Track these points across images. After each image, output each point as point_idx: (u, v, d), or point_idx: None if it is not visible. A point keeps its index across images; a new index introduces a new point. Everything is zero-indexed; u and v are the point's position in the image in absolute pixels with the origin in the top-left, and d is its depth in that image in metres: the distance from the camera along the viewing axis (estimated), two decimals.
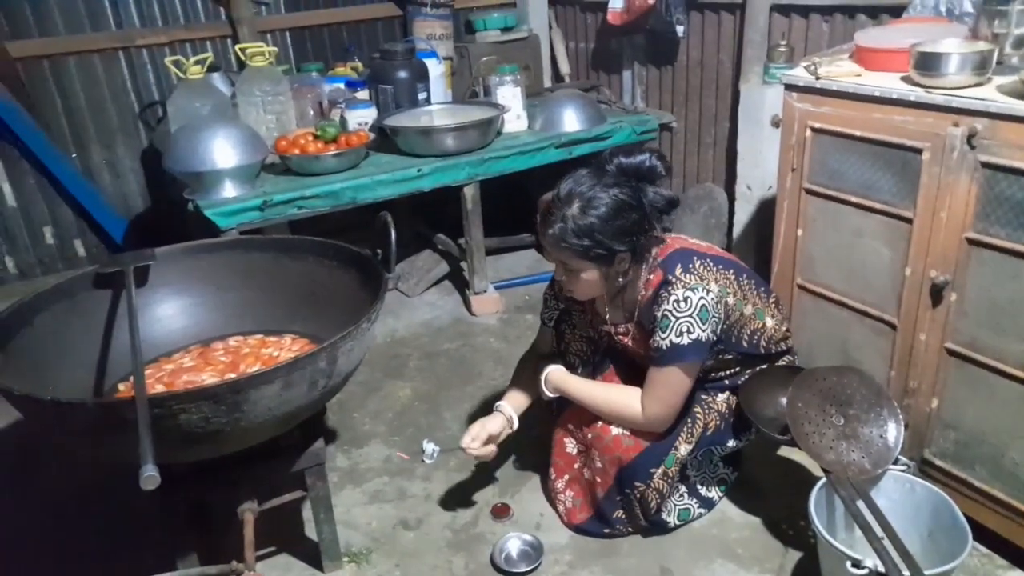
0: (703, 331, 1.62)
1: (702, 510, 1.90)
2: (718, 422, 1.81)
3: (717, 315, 1.64)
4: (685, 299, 1.60)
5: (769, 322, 1.77)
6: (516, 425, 1.92)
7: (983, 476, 1.67)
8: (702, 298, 1.61)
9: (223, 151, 2.36)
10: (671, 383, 1.67)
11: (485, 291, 3.01)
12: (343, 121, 2.86)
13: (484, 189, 2.85)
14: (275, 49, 2.80)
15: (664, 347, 1.62)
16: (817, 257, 1.97)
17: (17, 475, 2.24)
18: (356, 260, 1.80)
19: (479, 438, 1.84)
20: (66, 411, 1.31)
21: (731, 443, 1.85)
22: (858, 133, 1.76)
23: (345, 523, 1.92)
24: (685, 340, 1.61)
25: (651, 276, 1.67)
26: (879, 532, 1.46)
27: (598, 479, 1.81)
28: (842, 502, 1.56)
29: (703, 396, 1.81)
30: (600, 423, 1.78)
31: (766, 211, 2.70)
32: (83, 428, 1.37)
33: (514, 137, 2.93)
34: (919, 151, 1.63)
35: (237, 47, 2.86)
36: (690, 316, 1.60)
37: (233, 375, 1.66)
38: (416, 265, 3.32)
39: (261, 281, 1.91)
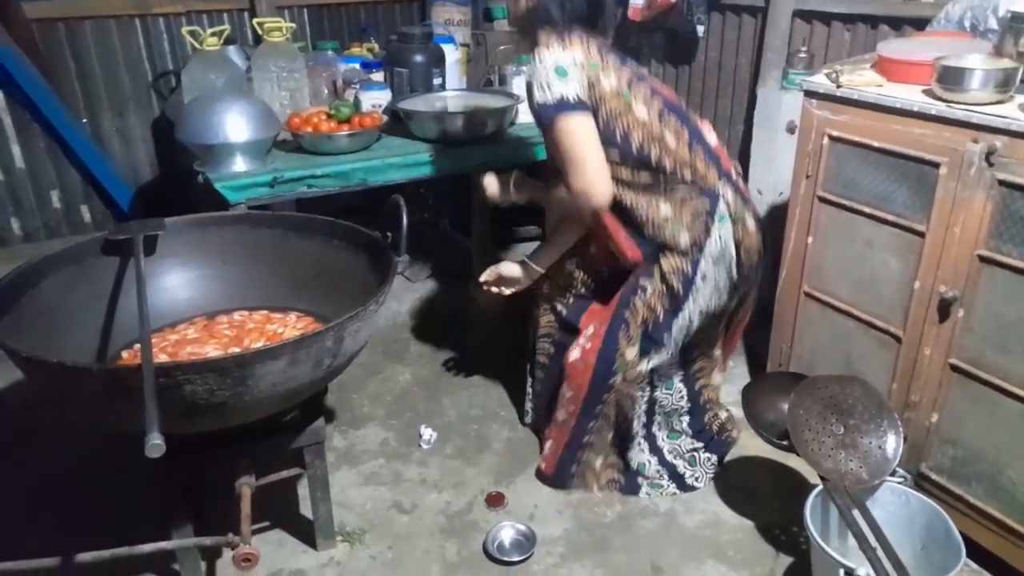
0: (564, 88, 1.68)
1: (673, 488, 1.98)
2: (651, 313, 1.83)
3: (580, 80, 1.69)
4: (541, 60, 1.70)
5: (661, 134, 1.76)
6: (537, 271, 2.04)
7: (979, 493, 1.67)
8: (558, 58, 1.68)
9: (236, 125, 2.34)
10: (565, 146, 1.71)
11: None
12: (357, 102, 2.84)
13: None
14: (292, 25, 2.78)
15: (535, 109, 1.73)
16: (826, 265, 1.97)
17: (13, 441, 2.24)
18: (366, 242, 1.80)
19: (491, 275, 2.07)
20: (72, 375, 1.31)
21: (674, 329, 1.83)
22: (876, 144, 1.76)
23: (340, 503, 1.92)
24: (548, 97, 1.69)
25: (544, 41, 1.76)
26: (873, 542, 1.47)
27: (570, 408, 1.92)
28: (838, 510, 1.57)
29: (633, 299, 1.83)
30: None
31: (776, 217, 2.69)
32: (87, 393, 1.38)
33: (527, 128, 2.91)
34: (936, 165, 1.63)
35: (255, 21, 2.85)
36: (547, 73, 1.68)
37: (237, 349, 1.66)
38: (421, 251, 3.31)
39: (268, 257, 1.91)
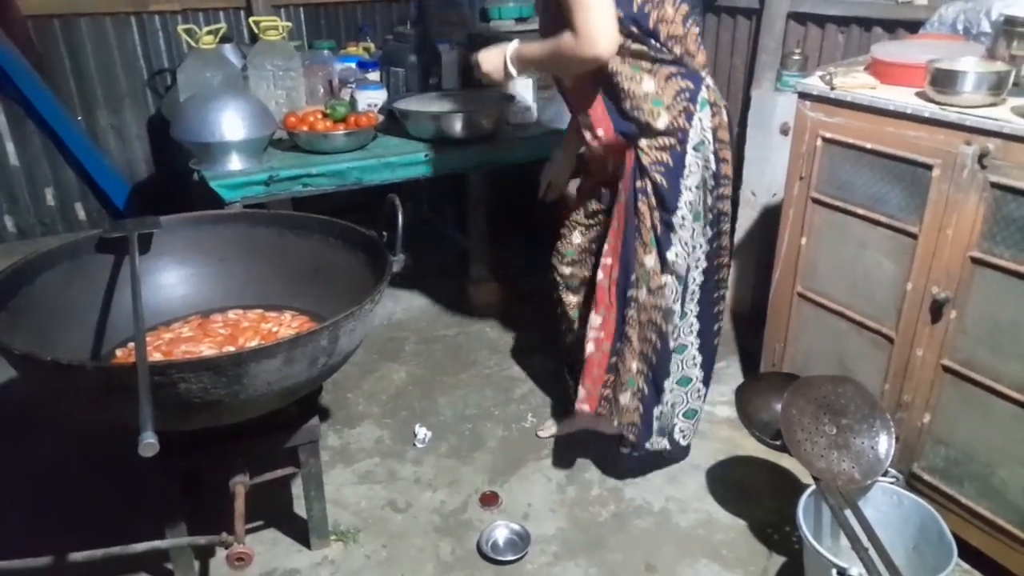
0: None
1: (665, 443, 1.96)
2: (654, 197, 1.75)
3: None
4: None
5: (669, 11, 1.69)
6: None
7: (971, 494, 1.68)
8: None
9: (232, 123, 2.34)
10: None
11: (484, 280, 3.01)
12: (353, 101, 2.84)
13: (491, 178, 2.85)
14: (289, 24, 2.78)
15: None
16: (819, 267, 1.98)
17: (8, 436, 2.24)
18: (362, 241, 1.80)
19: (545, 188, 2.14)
20: (66, 373, 1.31)
21: (678, 228, 1.76)
22: (869, 146, 1.77)
23: (334, 501, 1.93)
24: None
25: None
26: (865, 542, 1.48)
27: (600, 336, 1.88)
28: (830, 510, 1.58)
29: (637, 204, 1.76)
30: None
31: (770, 218, 2.70)
32: (81, 391, 1.38)
33: (523, 128, 2.92)
34: (930, 167, 1.64)
35: (251, 19, 2.84)
36: None
37: (232, 348, 1.66)
38: (417, 250, 3.32)
39: (264, 256, 1.91)
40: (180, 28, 2.64)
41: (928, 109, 1.63)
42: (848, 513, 1.55)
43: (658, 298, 1.81)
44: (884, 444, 1.65)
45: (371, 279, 1.67)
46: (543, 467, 2.09)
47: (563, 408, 2.27)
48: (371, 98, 2.84)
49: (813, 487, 1.64)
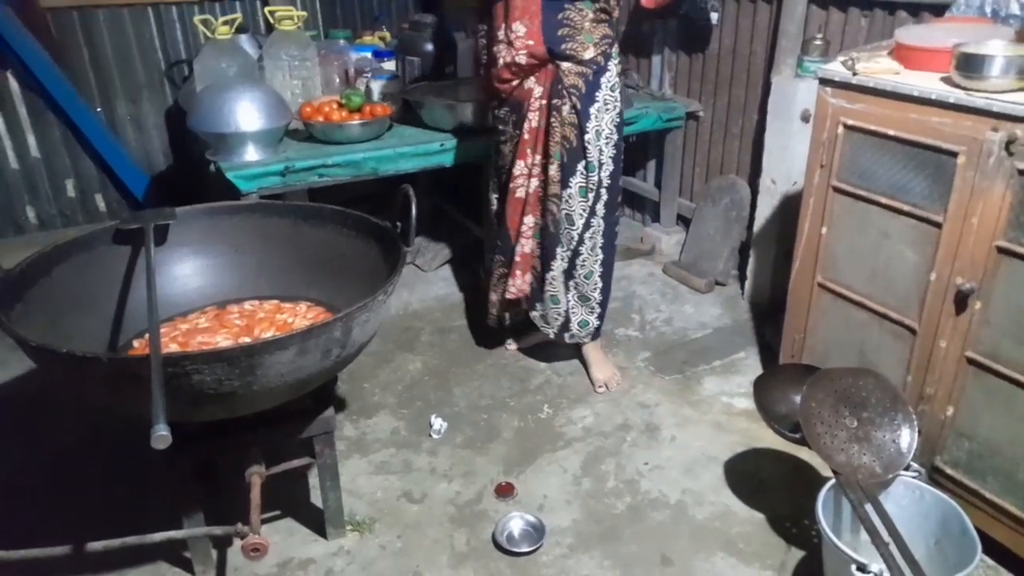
0: None
1: (551, 332, 2.35)
2: (569, 130, 2.09)
3: None
4: None
5: None
6: None
7: (995, 488, 1.65)
8: None
9: (248, 114, 2.35)
10: None
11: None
12: (368, 91, 2.84)
13: None
14: (304, 14, 2.78)
15: None
16: (840, 256, 1.95)
17: (27, 425, 2.27)
18: (376, 232, 1.79)
19: None
20: (81, 365, 1.32)
21: (588, 148, 2.11)
22: (892, 133, 1.73)
23: (350, 492, 1.93)
24: None
25: None
26: (886, 537, 1.45)
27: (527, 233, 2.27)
28: (850, 505, 1.55)
29: (551, 121, 2.10)
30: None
31: (789, 206, 2.66)
32: (97, 382, 1.38)
33: None
34: (955, 155, 1.60)
35: (266, 9, 2.84)
36: None
37: (247, 339, 1.66)
38: (432, 240, 3.31)
39: (279, 247, 1.91)
40: (196, 19, 2.65)
41: (954, 95, 1.59)
42: (868, 508, 1.53)
43: (553, 204, 2.17)
44: (906, 438, 1.62)
45: (385, 269, 1.67)
46: (559, 458, 2.09)
47: (491, 321, 2.52)
48: (387, 87, 2.83)
49: (833, 481, 1.61)
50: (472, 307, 2.89)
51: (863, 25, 2.51)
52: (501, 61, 2.08)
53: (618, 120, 2.16)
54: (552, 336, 2.37)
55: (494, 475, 2.02)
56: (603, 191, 2.19)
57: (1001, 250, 1.55)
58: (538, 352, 2.56)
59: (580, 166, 2.13)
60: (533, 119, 2.13)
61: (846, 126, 1.84)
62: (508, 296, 2.33)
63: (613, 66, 2.11)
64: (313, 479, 1.90)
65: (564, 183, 2.15)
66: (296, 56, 2.73)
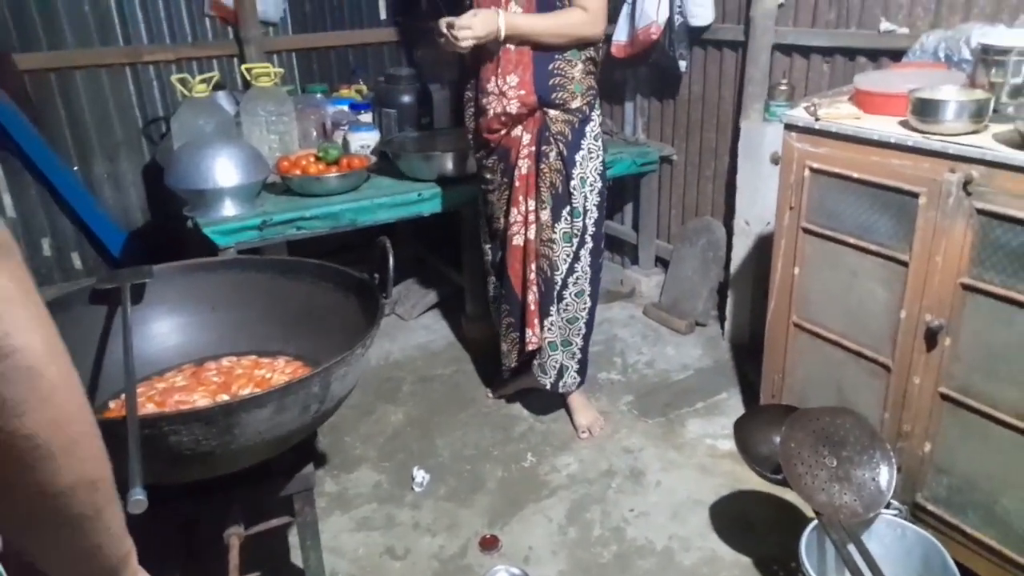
0: None
1: (547, 383, 2.33)
2: (556, 176, 2.15)
3: None
4: None
5: None
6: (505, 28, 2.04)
7: (975, 523, 1.66)
8: None
9: (225, 170, 2.37)
10: None
11: (481, 317, 3.00)
12: (346, 143, 2.88)
13: None
14: (281, 70, 2.83)
15: None
16: (813, 296, 1.98)
17: None
18: (354, 284, 1.80)
19: (445, 27, 1.98)
20: None
21: (573, 192, 2.17)
22: (856, 175, 1.78)
23: (331, 550, 1.90)
24: None
25: None
26: None
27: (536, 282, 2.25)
28: (833, 545, 1.55)
29: (540, 166, 2.14)
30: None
31: (764, 246, 2.71)
32: None
33: None
34: (916, 195, 1.64)
35: (243, 67, 2.89)
36: None
37: (225, 396, 1.65)
38: (413, 288, 3.32)
39: (257, 301, 1.91)
40: (174, 78, 2.69)
41: (911, 138, 1.64)
42: (851, 547, 1.53)
43: (547, 249, 2.20)
44: (885, 475, 1.64)
45: (364, 322, 1.67)
46: (544, 507, 2.07)
47: (505, 372, 2.51)
48: (363, 140, 2.88)
49: (815, 522, 1.61)
50: (453, 355, 2.89)
51: (825, 70, 2.60)
52: (491, 112, 2.12)
53: (601, 169, 2.22)
54: (548, 386, 2.34)
55: (478, 527, 2.00)
56: (588, 238, 2.23)
57: (966, 287, 1.58)
58: (520, 399, 2.56)
59: (565, 212, 2.17)
60: (523, 166, 2.17)
61: (812, 169, 1.89)
62: (528, 348, 2.28)
63: (596, 116, 2.18)
64: (293, 537, 1.87)
65: (552, 228, 2.19)
66: (273, 111, 2.77)
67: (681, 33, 2.90)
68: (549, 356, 2.30)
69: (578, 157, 2.14)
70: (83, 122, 3.38)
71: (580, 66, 2.09)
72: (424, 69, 3.31)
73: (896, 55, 2.27)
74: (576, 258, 2.23)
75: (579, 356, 2.36)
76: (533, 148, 2.14)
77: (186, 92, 2.64)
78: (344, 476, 2.22)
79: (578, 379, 2.38)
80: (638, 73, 3.33)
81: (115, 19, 3.33)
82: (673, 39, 2.92)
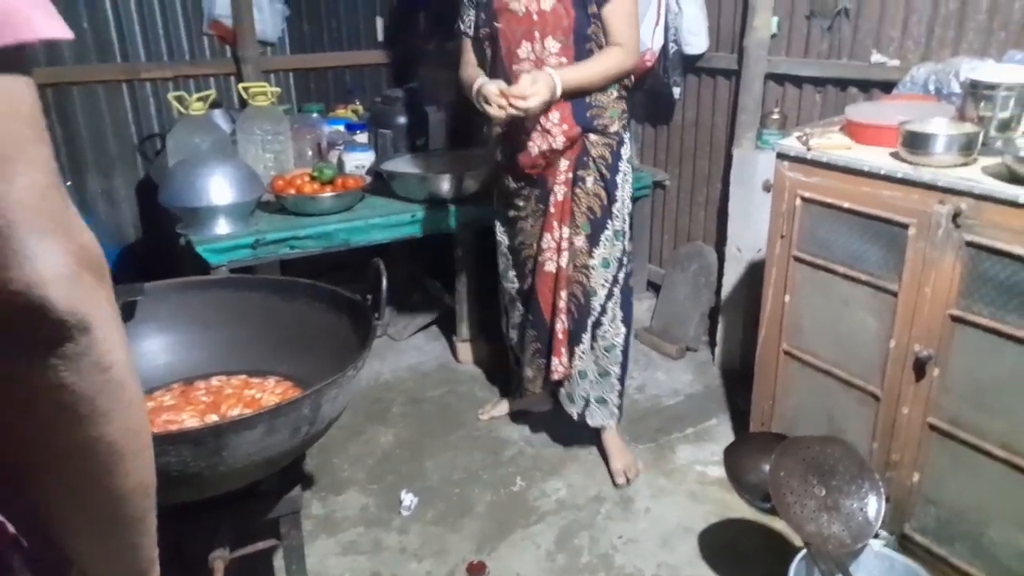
0: None
1: (574, 413, 2.29)
2: (593, 199, 2.11)
3: None
4: None
5: None
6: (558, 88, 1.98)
7: (962, 554, 1.66)
8: None
9: (219, 188, 2.37)
10: (631, 8, 1.98)
11: (472, 339, 3.01)
12: (341, 163, 2.88)
13: (479, 237, 2.87)
14: (278, 89, 2.84)
15: None
16: (804, 324, 1.99)
17: None
18: (347, 305, 1.80)
19: (497, 93, 1.89)
20: None
21: (614, 215, 2.13)
22: (847, 205, 1.79)
23: (317, 574, 1.88)
24: None
25: None
26: None
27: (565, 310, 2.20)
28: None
29: (575, 191, 2.10)
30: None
31: (756, 273, 2.72)
32: None
33: None
34: (905, 226, 1.66)
35: (240, 86, 2.90)
36: None
37: (215, 416, 1.64)
38: (405, 309, 3.32)
39: (249, 320, 1.90)
40: (170, 95, 2.69)
41: (902, 170, 1.66)
42: None
43: (581, 275, 2.15)
44: (874, 506, 1.63)
45: (356, 342, 1.67)
46: (532, 533, 2.06)
47: (503, 393, 2.59)
48: (359, 160, 2.88)
49: (804, 552, 1.61)
50: (444, 377, 2.88)
51: (817, 100, 2.63)
52: (536, 150, 2.07)
53: (631, 191, 2.20)
54: (575, 415, 2.29)
55: (466, 553, 1.98)
56: (625, 259, 2.20)
57: (954, 318, 1.60)
58: (511, 422, 2.55)
59: (604, 236, 2.13)
60: (559, 192, 2.11)
61: (803, 198, 1.91)
62: (554, 378, 2.23)
63: (628, 139, 2.16)
64: (279, 560, 1.85)
65: (590, 254, 2.14)
66: (269, 130, 2.78)
67: (675, 60, 2.93)
68: (578, 385, 2.24)
69: (618, 179, 2.12)
70: (79, 138, 3.38)
71: (614, 93, 2.08)
72: (421, 90, 3.33)
73: (887, 87, 2.31)
74: (615, 282, 2.18)
75: (618, 388, 2.28)
76: (570, 174, 2.10)
77: (183, 110, 2.65)
78: (332, 498, 2.20)
79: (617, 414, 2.30)
80: (633, 98, 3.35)
81: (113, 36, 3.34)
82: (667, 66, 2.95)
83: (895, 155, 1.73)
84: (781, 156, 1.95)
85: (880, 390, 1.78)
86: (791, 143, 1.93)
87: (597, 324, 2.20)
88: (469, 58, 2.16)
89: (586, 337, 2.20)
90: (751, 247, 2.81)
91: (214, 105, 2.99)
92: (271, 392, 1.77)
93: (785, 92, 2.72)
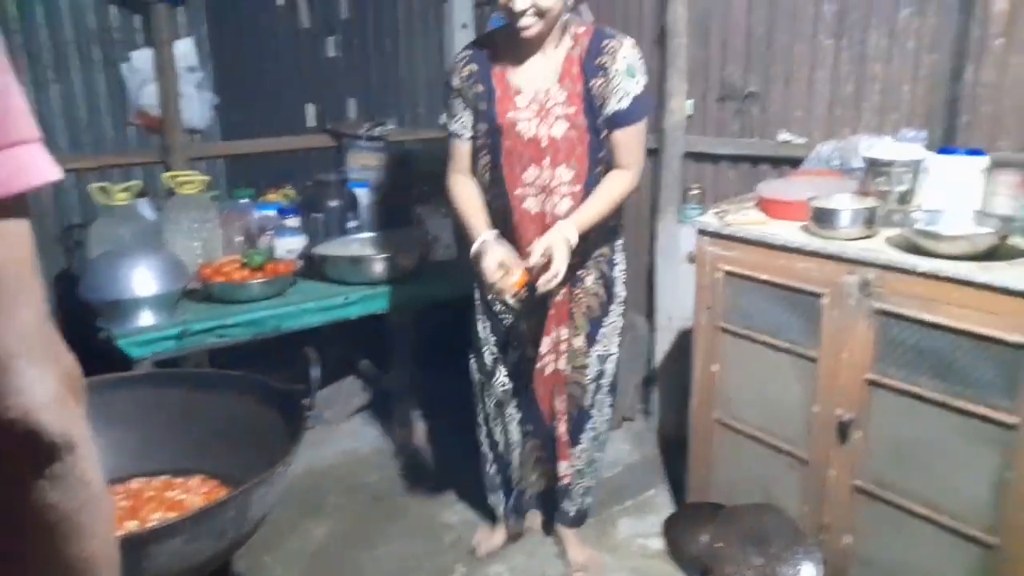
0: (645, 79, 1.84)
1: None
2: (593, 299, 2.01)
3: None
4: (633, 46, 1.81)
5: None
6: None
7: None
8: (636, 46, 1.83)
9: (142, 278, 2.31)
10: (641, 136, 1.89)
11: (410, 421, 2.96)
12: (271, 248, 2.86)
13: (415, 316, 2.86)
14: (207, 177, 2.82)
15: (638, 94, 1.81)
16: (733, 393, 2.04)
17: None
18: (277, 396, 1.75)
19: (496, 271, 1.80)
20: None
21: (612, 314, 2.05)
22: (764, 277, 1.87)
23: None
24: (641, 89, 1.82)
25: (578, 29, 1.83)
26: None
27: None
28: None
29: (574, 290, 1.99)
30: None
31: (686, 342, 2.77)
32: None
33: (443, 266, 2.98)
34: (819, 296, 1.74)
35: (166, 175, 2.87)
36: (641, 65, 1.82)
37: (134, 523, 1.56)
38: (340, 391, 3.25)
39: (170, 417, 1.83)
40: (93, 186, 2.64)
41: (812, 243, 1.76)
42: None
43: (579, 375, 2.06)
44: (811, 572, 1.65)
45: (286, 434, 1.62)
46: None
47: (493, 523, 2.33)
48: (290, 244, 2.87)
49: None
50: (380, 462, 2.81)
51: (732, 176, 2.77)
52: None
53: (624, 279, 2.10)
54: (572, 514, 2.20)
55: None
56: (613, 351, 2.10)
57: (871, 382, 1.66)
58: (449, 506, 2.50)
59: (600, 334, 2.04)
60: (559, 293, 1.98)
61: (725, 271, 1.98)
62: (564, 483, 2.14)
63: (620, 230, 2.08)
64: None
65: (587, 353, 2.05)
66: (196, 219, 2.74)
67: None
68: (578, 484, 2.16)
69: (616, 273, 2.04)
70: None
71: (624, 39, 1.90)
72: (352, 173, 3.36)
73: (795, 162, 2.45)
74: (602, 374, 2.09)
75: (597, 476, 2.23)
76: (569, 274, 1.90)
77: (105, 201, 2.60)
78: None
79: (591, 501, 2.24)
80: None
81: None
82: None
83: (805, 228, 1.83)
84: (702, 232, 2.04)
85: (807, 454, 1.83)
86: (710, 219, 2.02)
87: (588, 416, 2.12)
88: (463, 165, 1.99)
89: (584, 436, 2.13)
90: (681, 316, 2.88)
91: (140, 194, 2.94)
92: (195, 492, 1.70)
93: (703, 169, 2.85)
